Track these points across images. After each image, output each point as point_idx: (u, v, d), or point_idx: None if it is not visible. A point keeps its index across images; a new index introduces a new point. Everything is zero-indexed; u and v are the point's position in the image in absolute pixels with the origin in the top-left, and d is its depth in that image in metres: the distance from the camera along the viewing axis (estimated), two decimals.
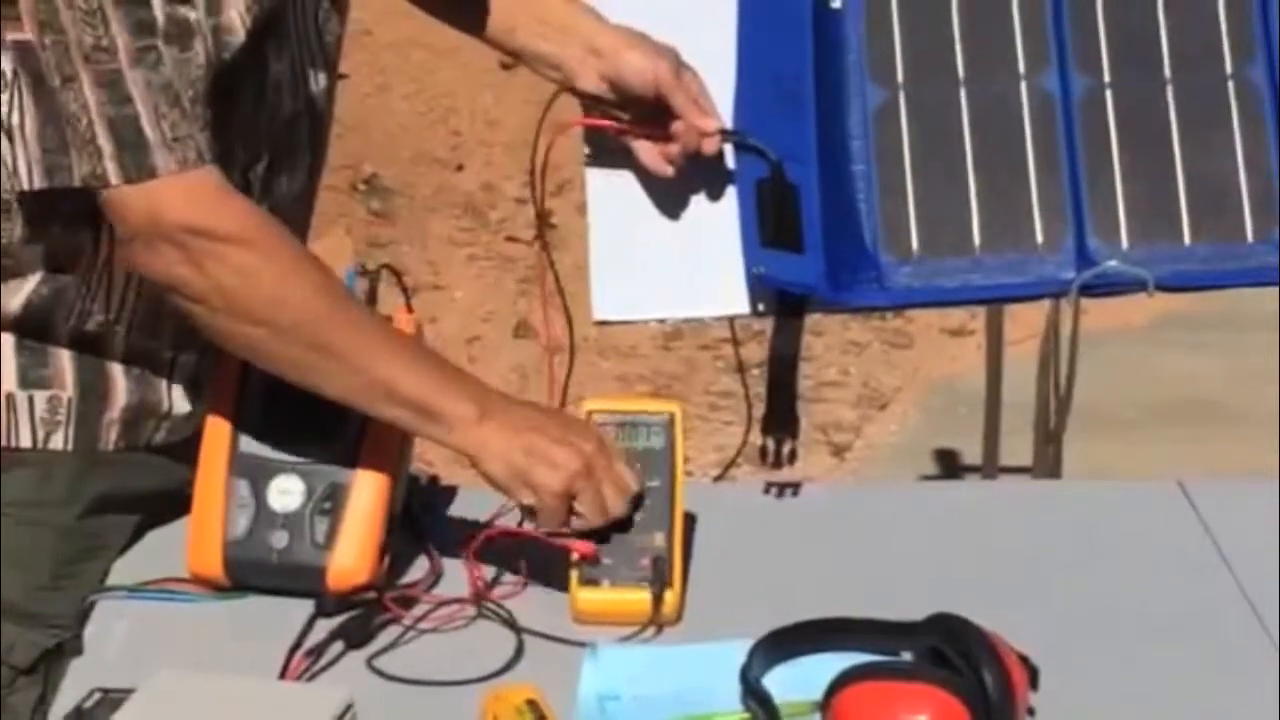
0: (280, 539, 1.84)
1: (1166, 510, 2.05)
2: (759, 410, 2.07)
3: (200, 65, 1.75)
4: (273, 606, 1.84)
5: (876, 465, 4.52)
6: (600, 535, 1.83)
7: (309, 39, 1.93)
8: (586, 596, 1.82)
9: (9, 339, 1.88)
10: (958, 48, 2.12)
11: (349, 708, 1.63)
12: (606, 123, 2.05)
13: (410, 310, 1.95)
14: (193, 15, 1.74)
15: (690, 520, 1.92)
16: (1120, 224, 2.08)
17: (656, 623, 1.81)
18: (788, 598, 1.83)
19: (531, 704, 1.64)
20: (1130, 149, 2.10)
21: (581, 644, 1.76)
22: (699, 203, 2.09)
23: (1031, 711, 1.65)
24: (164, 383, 1.93)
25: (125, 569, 1.92)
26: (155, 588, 1.87)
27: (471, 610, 1.83)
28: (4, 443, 1.88)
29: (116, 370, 1.91)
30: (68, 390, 1.89)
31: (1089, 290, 2.07)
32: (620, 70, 2.01)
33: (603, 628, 1.80)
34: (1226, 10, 2.12)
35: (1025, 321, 3.58)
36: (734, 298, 2.06)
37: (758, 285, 2.05)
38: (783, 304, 2.05)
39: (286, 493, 1.86)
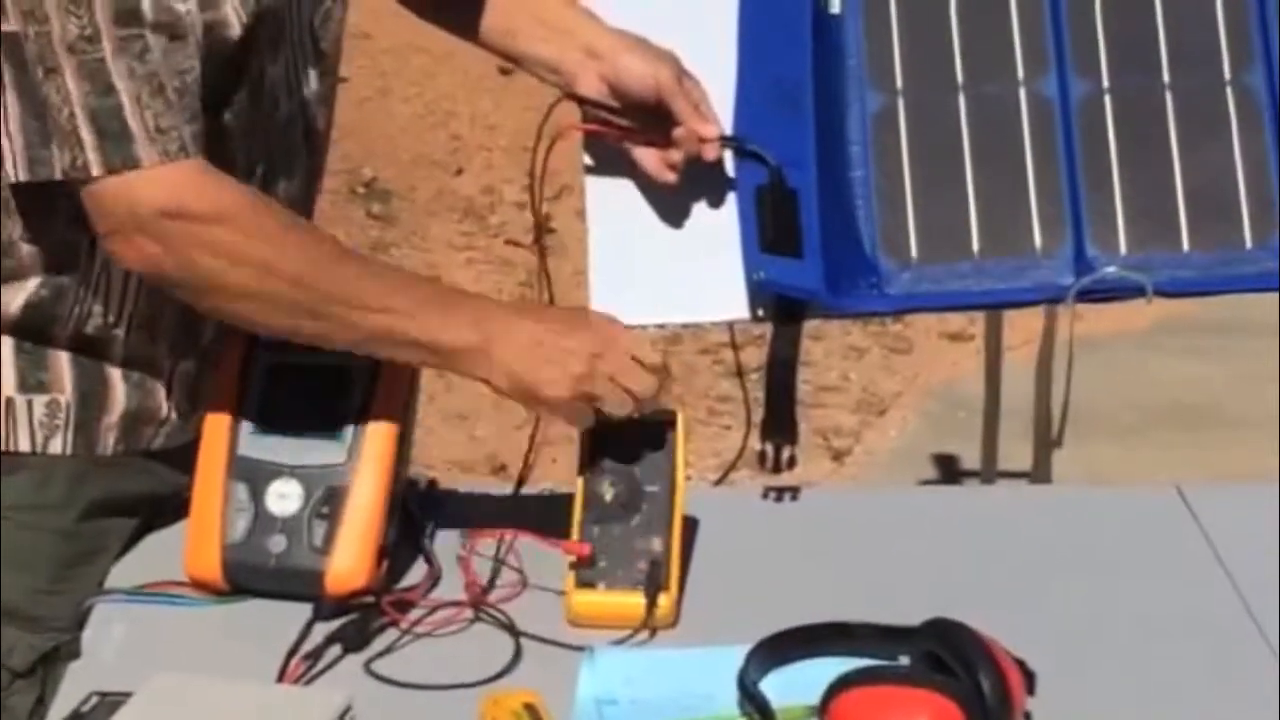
0: (278, 543, 1.84)
1: (1164, 515, 2.05)
2: (758, 415, 2.07)
3: (190, 57, 1.74)
4: (271, 610, 1.84)
5: (875, 470, 4.52)
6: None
7: (305, 41, 1.93)
8: (581, 599, 1.83)
9: (8, 342, 1.88)
10: (957, 53, 2.12)
11: (347, 711, 1.63)
12: (606, 129, 2.04)
13: None
14: (183, 7, 1.73)
15: (690, 524, 1.92)
16: (1119, 230, 2.08)
17: (651, 626, 1.81)
18: (786, 602, 1.83)
19: (529, 708, 1.64)
20: (1129, 154, 2.10)
21: (580, 648, 1.76)
22: (698, 208, 2.09)
23: (1028, 716, 1.65)
24: (162, 389, 1.94)
25: (123, 572, 1.92)
26: (153, 591, 1.87)
27: (469, 614, 1.84)
28: (3, 447, 1.88)
29: (115, 375, 1.91)
30: (66, 395, 1.89)
31: (1087, 296, 2.07)
32: (620, 74, 2.01)
33: (601, 631, 1.80)
34: (1225, 15, 2.12)
35: (1024, 327, 3.59)
36: (734, 303, 2.06)
37: (757, 290, 2.05)
38: (782, 309, 2.05)
39: (285, 496, 1.86)
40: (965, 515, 2.10)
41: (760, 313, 2.06)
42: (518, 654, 1.78)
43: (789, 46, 2.08)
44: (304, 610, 1.80)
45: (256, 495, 1.86)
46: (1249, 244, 2.08)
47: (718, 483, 2.63)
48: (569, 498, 1.89)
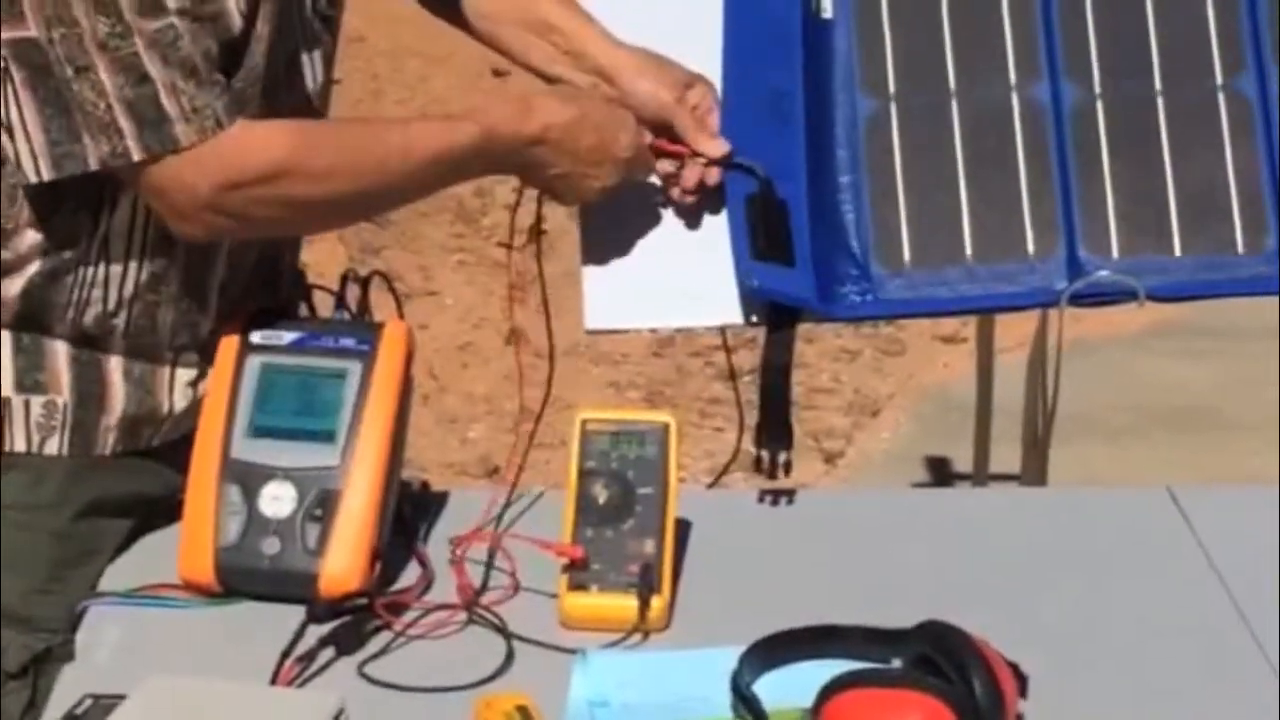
0: (272, 545, 1.85)
1: (1156, 517, 2.05)
2: (751, 417, 2.07)
3: (209, 34, 1.77)
4: (264, 612, 1.84)
5: (868, 472, 4.52)
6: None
7: (307, 35, 1.94)
8: (574, 601, 1.83)
9: (6, 340, 1.88)
10: (949, 58, 2.12)
11: (340, 713, 1.63)
12: (677, 146, 2.06)
13: (401, 316, 1.96)
14: None
15: (683, 526, 1.92)
16: (1111, 234, 2.09)
17: (643, 629, 1.81)
18: (779, 604, 1.83)
19: (522, 710, 1.64)
20: (1121, 159, 2.10)
21: (572, 651, 1.76)
22: (690, 212, 2.10)
23: (1021, 718, 1.65)
24: (164, 386, 1.94)
25: (117, 574, 1.92)
26: (147, 593, 1.87)
27: (462, 616, 1.84)
28: (0, 447, 1.88)
29: (115, 375, 1.91)
30: (64, 395, 1.89)
31: (1080, 300, 2.07)
32: (627, 98, 2.04)
33: (593, 633, 1.80)
34: (1217, 21, 2.12)
35: (1016, 329, 3.59)
36: (726, 307, 2.06)
37: (750, 295, 2.05)
38: (775, 314, 2.05)
39: (278, 499, 1.86)
40: (958, 517, 2.11)
41: (753, 317, 2.07)
42: (510, 656, 1.78)
43: (779, 53, 2.08)
44: (297, 613, 1.80)
45: (250, 498, 1.86)
46: (1240, 249, 2.09)
47: (711, 486, 2.63)
48: (561, 500, 1.89)
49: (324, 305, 2.02)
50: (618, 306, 2.09)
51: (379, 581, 1.86)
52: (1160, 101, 2.11)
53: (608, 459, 1.88)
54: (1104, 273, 2.07)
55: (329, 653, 1.76)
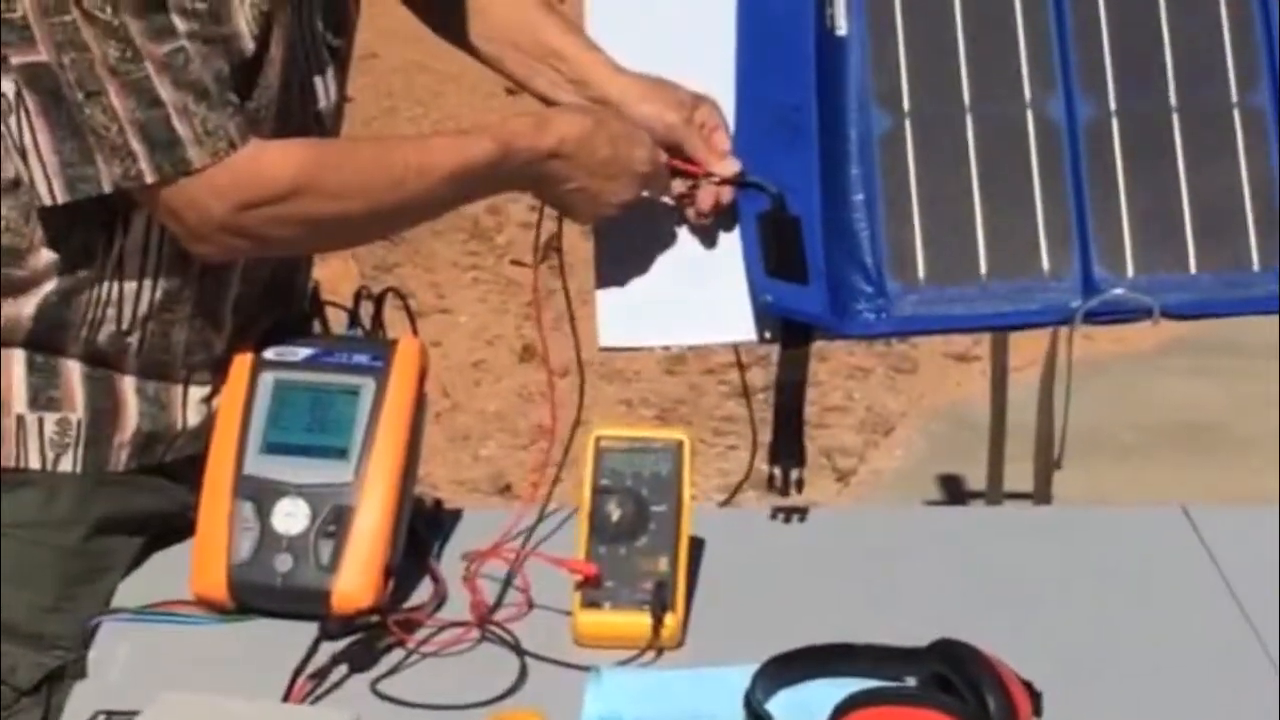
0: (285, 562, 1.84)
1: (1171, 536, 2.05)
2: (764, 435, 2.07)
3: (221, 56, 1.77)
4: (277, 629, 1.84)
5: (881, 490, 4.51)
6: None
7: (319, 56, 1.94)
8: (587, 619, 1.83)
9: (20, 358, 1.88)
10: (963, 74, 2.12)
11: None
12: (691, 165, 2.05)
13: (415, 334, 1.96)
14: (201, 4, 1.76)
15: (696, 544, 1.92)
16: (1126, 251, 2.08)
17: (657, 646, 1.81)
18: (792, 622, 1.83)
19: None
20: (1136, 176, 2.10)
21: (585, 668, 1.76)
22: (704, 230, 2.09)
23: None
24: (178, 403, 1.94)
25: (130, 591, 1.92)
26: (159, 610, 1.87)
27: (475, 634, 1.84)
28: (14, 464, 1.88)
29: (129, 392, 1.91)
30: (78, 413, 1.90)
31: (1095, 318, 2.07)
32: (633, 122, 2.03)
33: (607, 651, 1.80)
34: (1231, 37, 2.12)
35: (1029, 347, 3.58)
36: (740, 325, 2.06)
37: (764, 313, 2.05)
38: (789, 331, 2.05)
39: (291, 515, 1.86)
40: (971, 536, 2.10)
41: (767, 335, 2.06)
42: (523, 674, 1.78)
43: (792, 70, 2.08)
44: (310, 629, 1.80)
45: (263, 514, 1.86)
46: (1256, 266, 2.08)
47: (724, 504, 2.62)
48: (575, 517, 1.89)
49: (337, 322, 2.02)
50: (631, 324, 2.09)
51: (392, 598, 1.86)
52: (1175, 117, 2.11)
53: (621, 476, 1.88)
54: (1119, 290, 2.07)
55: (342, 670, 1.76)
